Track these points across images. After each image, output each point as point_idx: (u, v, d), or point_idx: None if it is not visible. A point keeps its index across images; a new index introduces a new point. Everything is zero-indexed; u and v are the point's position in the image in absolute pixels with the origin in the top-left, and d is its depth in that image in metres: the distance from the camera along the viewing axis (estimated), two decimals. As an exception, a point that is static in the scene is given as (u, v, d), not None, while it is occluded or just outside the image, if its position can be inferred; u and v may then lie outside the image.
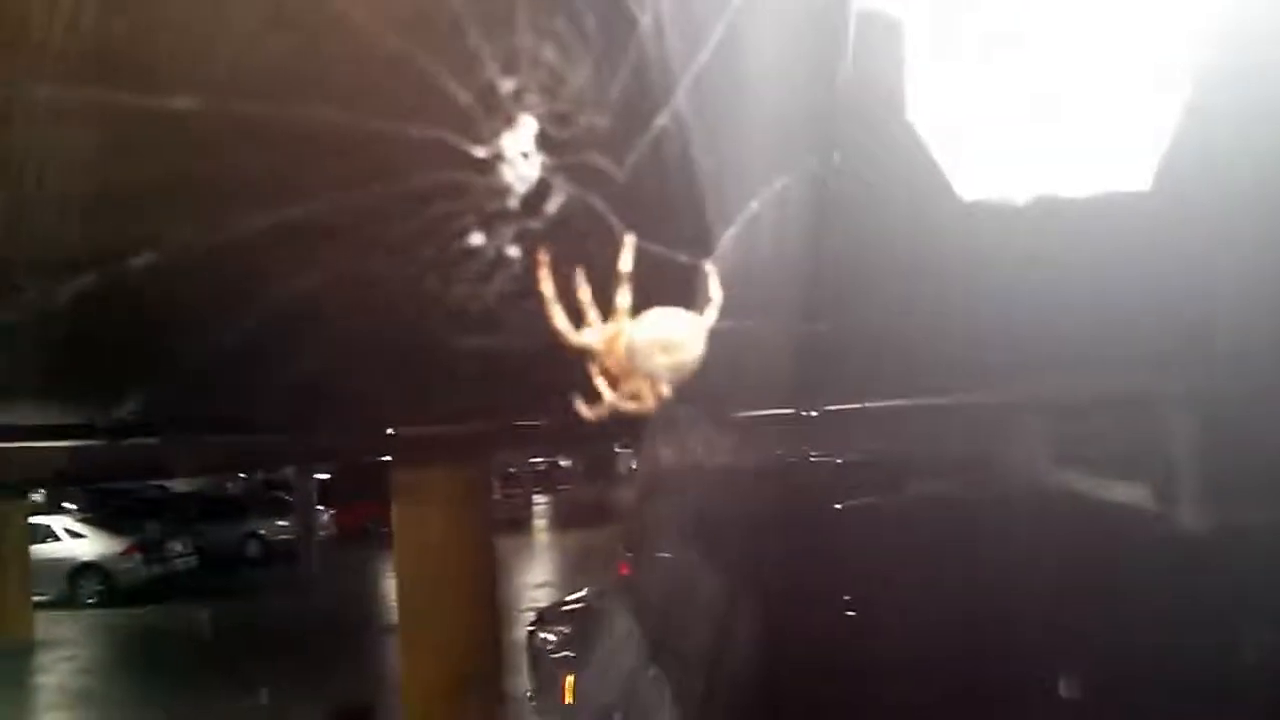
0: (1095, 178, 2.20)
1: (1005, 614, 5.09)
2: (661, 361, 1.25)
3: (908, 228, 2.45)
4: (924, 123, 1.95)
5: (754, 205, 1.50)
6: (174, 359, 3.09)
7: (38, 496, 19.68)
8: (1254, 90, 1.96)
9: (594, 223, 1.11)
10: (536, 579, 16.94)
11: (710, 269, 1.35)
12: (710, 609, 6.10)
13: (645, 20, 1.16)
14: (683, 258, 1.30)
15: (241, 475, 25.68)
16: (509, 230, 1.18)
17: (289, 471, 22.81)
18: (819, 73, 1.71)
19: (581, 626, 7.93)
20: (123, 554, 18.30)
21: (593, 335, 1.24)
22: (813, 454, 8.85)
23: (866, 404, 7.40)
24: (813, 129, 1.88)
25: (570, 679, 7.41)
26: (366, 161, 1.36)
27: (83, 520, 19.11)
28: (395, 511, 9.08)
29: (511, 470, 24.33)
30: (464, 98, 1.09)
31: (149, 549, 18.73)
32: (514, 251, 1.21)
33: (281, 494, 23.87)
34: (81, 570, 18.06)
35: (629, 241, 1.15)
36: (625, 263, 1.19)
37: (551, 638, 8.11)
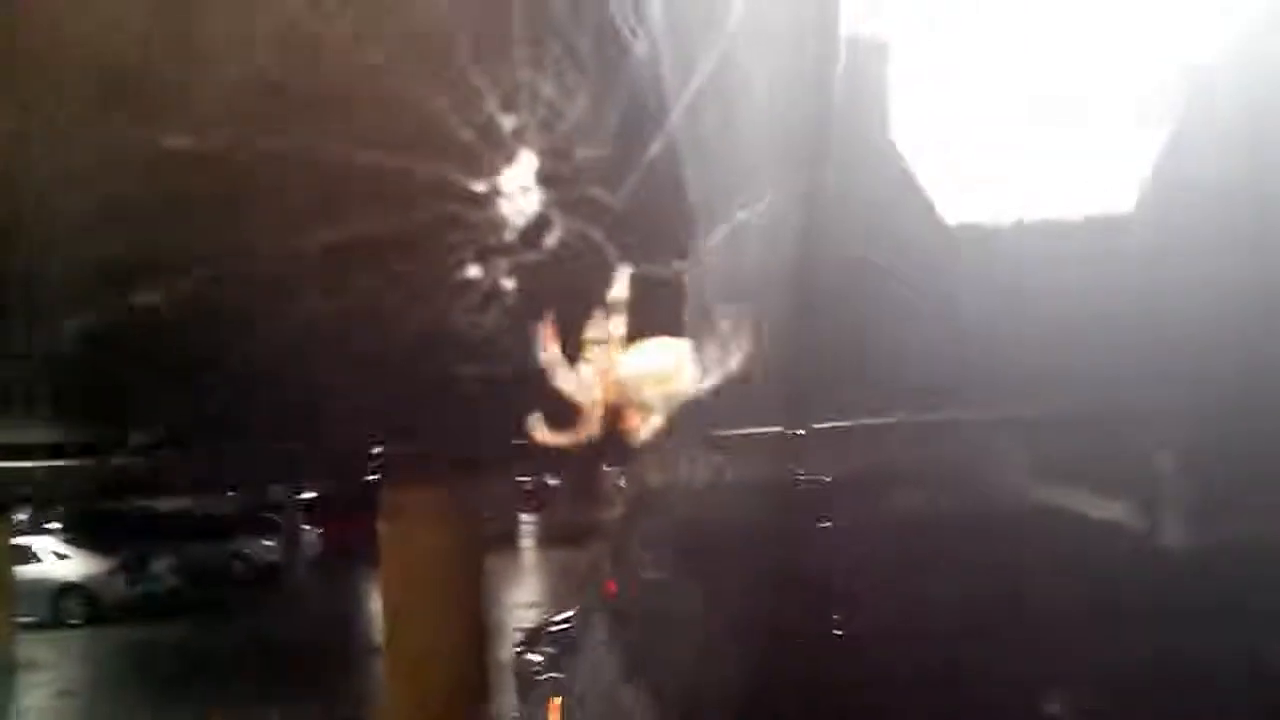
0: (1079, 199, 2.23)
1: (994, 632, 5.09)
2: (651, 393, 1.27)
3: (895, 248, 2.47)
4: (911, 145, 1.98)
5: (740, 216, 1.52)
6: (159, 379, 3.09)
7: (21, 516, 19.54)
8: (1234, 115, 2.00)
9: (591, 253, 1.12)
10: (524, 598, 16.88)
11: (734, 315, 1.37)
12: (697, 628, 6.09)
13: (639, 48, 1.18)
14: (672, 274, 1.32)
15: (227, 494, 25.53)
16: (506, 262, 1.20)
17: (275, 491, 22.70)
18: (808, 96, 1.73)
19: (569, 647, 7.90)
20: (107, 575, 18.16)
21: (586, 374, 1.25)
22: (800, 472, 8.86)
23: (853, 422, 7.42)
24: (802, 151, 1.90)
25: (557, 700, 7.38)
26: (369, 195, 1.37)
27: (67, 541, 18.96)
28: (382, 531, 9.04)
29: (499, 489, 24.24)
30: (466, 134, 1.11)
31: (133, 569, 18.58)
32: (510, 283, 1.23)
33: (268, 513, 23.73)
34: (65, 591, 17.91)
35: (622, 272, 1.17)
36: (619, 292, 1.20)
37: (539, 658, 8.07)
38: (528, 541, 26.11)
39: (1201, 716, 4.65)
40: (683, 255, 1.41)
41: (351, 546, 20.92)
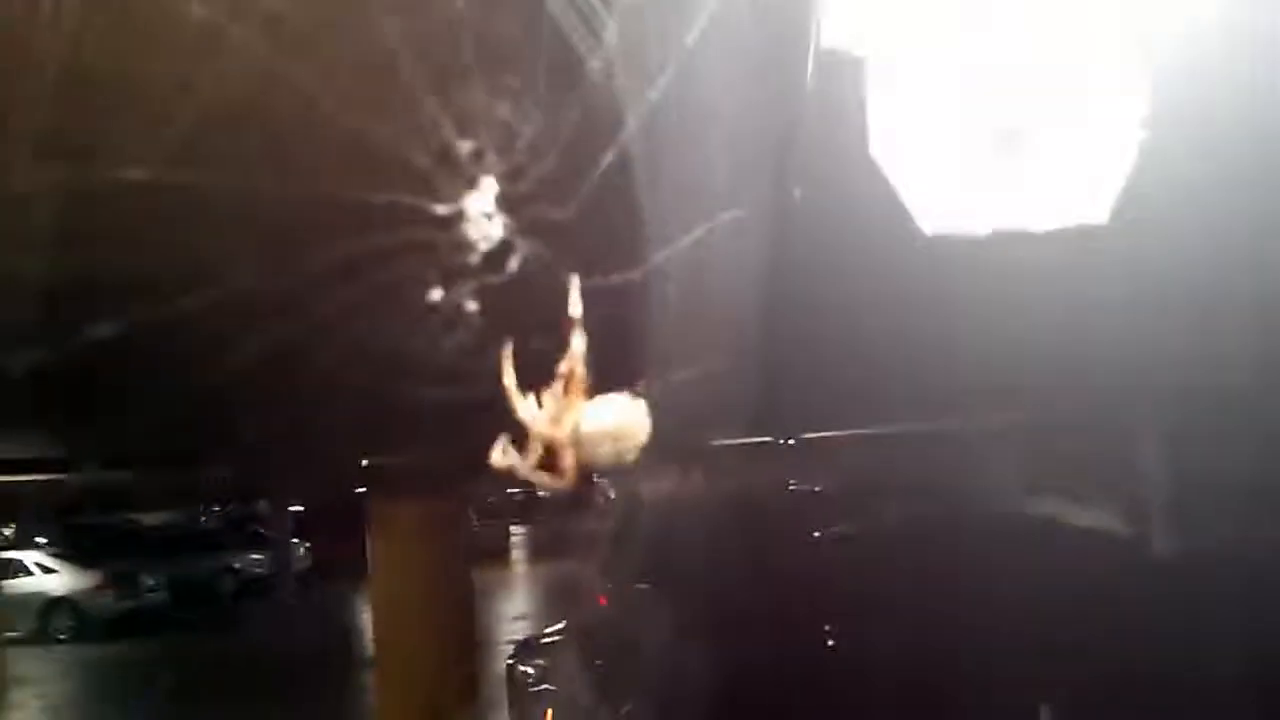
0: (1057, 209, 2.23)
1: (984, 640, 5.10)
2: (607, 450, 1.28)
3: (870, 260, 2.48)
4: (885, 156, 1.98)
5: (699, 232, 1.52)
6: (146, 392, 3.08)
7: (8, 531, 19.46)
8: (1215, 121, 2.01)
9: (547, 271, 1.13)
10: (515, 610, 16.84)
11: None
12: (688, 640, 6.08)
13: (594, 62, 1.18)
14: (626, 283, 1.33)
15: (216, 509, 25.45)
16: (469, 285, 1.20)
17: (264, 505, 22.63)
18: (779, 107, 1.74)
19: (560, 659, 7.88)
20: (95, 589, 18.06)
21: (545, 420, 1.27)
22: (791, 483, 8.88)
23: (841, 432, 7.44)
24: (773, 163, 1.91)
25: (550, 712, 7.36)
26: (330, 223, 1.38)
27: (54, 555, 18.87)
28: (372, 544, 9.01)
29: (489, 501, 24.19)
30: (423, 162, 1.11)
31: (121, 584, 18.48)
32: (473, 305, 1.23)
33: (257, 527, 23.64)
34: (53, 605, 17.82)
35: (575, 284, 1.17)
36: (575, 307, 1.21)
37: (531, 670, 8.05)
38: (518, 553, 26.06)
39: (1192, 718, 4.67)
40: (638, 266, 1.41)
41: (340, 560, 20.84)
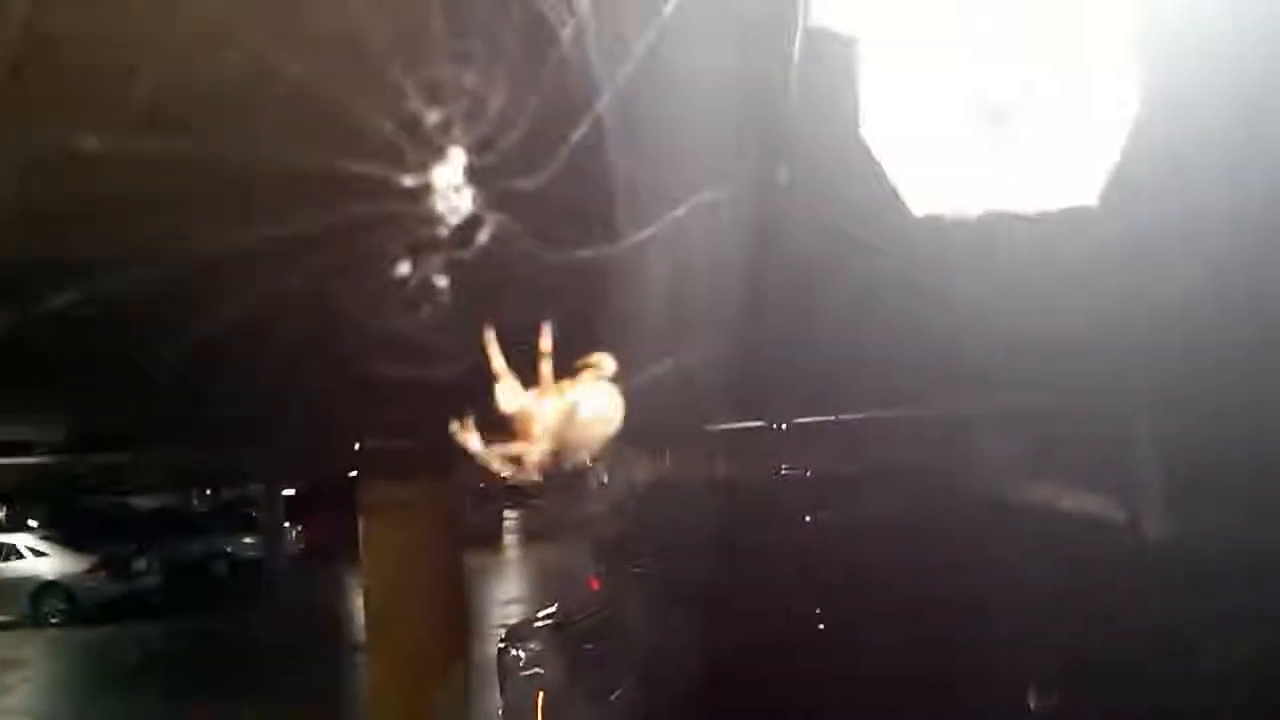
0: (1048, 190, 2.21)
1: (973, 624, 5.11)
2: (581, 436, 1.27)
3: (858, 241, 2.46)
4: (874, 135, 1.96)
5: (680, 210, 1.50)
6: (137, 376, 3.06)
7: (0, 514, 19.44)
8: (1209, 100, 1.99)
9: (519, 245, 1.10)
10: (507, 594, 16.86)
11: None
12: (679, 622, 6.08)
13: (566, 32, 1.16)
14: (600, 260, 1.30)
15: (208, 492, 25.45)
16: (438, 258, 1.18)
17: (256, 488, 22.61)
18: (764, 85, 1.71)
19: (552, 643, 7.89)
20: (87, 572, 18.05)
21: (520, 402, 1.25)
22: (783, 467, 8.89)
23: (832, 417, 7.44)
24: (758, 141, 1.88)
25: (541, 696, 7.37)
26: (300, 192, 1.35)
27: (46, 538, 18.85)
28: (363, 527, 9.00)
29: (481, 485, 24.21)
30: (391, 132, 1.09)
31: (113, 567, 18.46)
32: (443, 280, 1.21)
33: (248, 511, 23.63)
34: (45, 589, 17.81)
35: (546, 329, 1.17)
36: (545, 343, 1.20)
37: (522, 654, 8.06)
38: (510, 538, 26.09)
39: (1180, 705, 4.68)
40: (613, 242, 1.39)
41: (332, 543, 20.85)
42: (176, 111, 1.19)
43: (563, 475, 1.29)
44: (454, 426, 1.22)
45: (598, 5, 1.16)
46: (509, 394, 1.26)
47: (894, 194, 2.04)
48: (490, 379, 1.25)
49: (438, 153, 1.07)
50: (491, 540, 23.89)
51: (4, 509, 20.14)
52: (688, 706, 5.64)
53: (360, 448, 8.46)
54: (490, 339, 1.19)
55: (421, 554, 8.52)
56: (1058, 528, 5.89)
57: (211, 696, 10.80)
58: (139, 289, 1.80)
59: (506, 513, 27.53)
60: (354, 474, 9.90)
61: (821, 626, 5.98)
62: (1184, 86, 1.91)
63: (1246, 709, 4.53)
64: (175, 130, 1.19)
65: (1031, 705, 5.16)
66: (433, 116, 1.06)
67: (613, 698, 6.36)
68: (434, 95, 1.06)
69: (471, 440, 1.27)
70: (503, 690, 8.37)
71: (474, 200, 1.10)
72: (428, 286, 1.18)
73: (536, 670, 7.67)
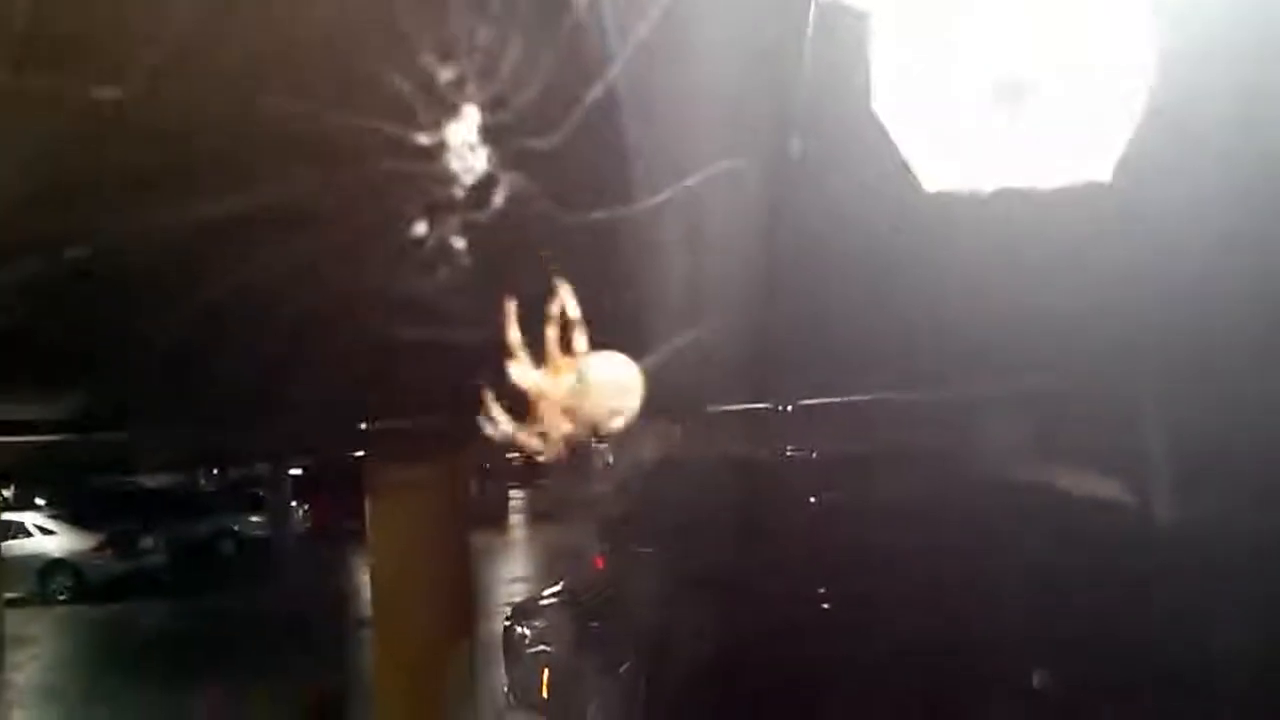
0: (1062, 167, 2.20)
1: (980, 606, 5.12)
2: (606, 406, 1.25)
3: (870, 218, 2.45)
4: (887, 110, 1.94)
5: (692, 180, 1.49)
6: (144, 352, 3.05)
7: (7, 493, 19.51)
8: (1222, 78, 1.97)
9: (534, 206, 1.10)
10: (513, 573, 16.92)
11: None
12: (684, 602, 6.10)
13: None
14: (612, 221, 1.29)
15: (214, 471, 25.50)
16: (455, 219, 1.17)
17: (263, 467, 22.67)
18: (777, 58, 1.70)
19: (558, 621, 7.92)
20: (94, 550, 18.15)
21: (544, 378, 1.24)
22: (788, 448, 8.89)
23: (839, 398, 7.42)
24: (770, 114, 1.87)
25: (547, 673, 7.41)
26: (309, 152, 1.34)
27: (54, 516, 18.93)
28: (370, 506, 9.02)
29: (487, 464, 24.24)
30: (404, 88, 1.07)
31: (120, 545, 18.56)
32: (461, 243, 1.20)
33: (255, 490, 23.70)
34: (52, 567, 17.91)
35: (567, 290, 1.15)
36: (572, 309, 1.19)
37: (528, 632, 8.10)
38: (516, 517, 26.15)
39: (1189, 690, 4.69)
40: (625, 203, 1.38)
41: (339, 521, 20.91)
42: (186, 63, 1.17)
43: (569, 454, 1.28)
44: (475, 406, 1.22)
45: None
46: (522, 371, 1.25)
47: (906, 170, 2.03)
48: (502, 354, 1.24)
49: (452, 110, 1.06)
50: (498, 519, 23.95)
51: (11, 487, 20.21)
52: (692, 684, 5.67)
53: (367, 427, 8.47)
54: (507, 311, 1.18)
55: (428, 533, 8.54)
56: (1067, 510, 5.89)
57: (218, 674, 10.87)
58: (142, 259, 1.79)
59: (513, 492, 27.57)
60: (361, 453, 9.93)
61: (826, 607, 5.99)
62: (1200, 63, 1.89)
63: (1257, 693, 4.53)
64: (183, 82, 1.18)
65: (1036, 685, 5.18)
66: (446, 74, 1.05)
67: (616, 676, 6.39)
68: (447, 52, 1.05)
69: (494, 420, 1.27)
70: (508, 668, 8.42)
71: (489, 159, 1.09)
72: (443, 248, 1.18)
73: (542, 648, 7.71)
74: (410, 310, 1.48)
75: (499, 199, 1.10)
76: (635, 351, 1.30)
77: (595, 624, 7.18)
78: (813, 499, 6.99)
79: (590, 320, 1.26)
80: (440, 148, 1.08)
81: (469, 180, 1.09)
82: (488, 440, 1.33)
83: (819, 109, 1.90)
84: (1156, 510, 5.81)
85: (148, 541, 19.31)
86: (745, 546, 6.19)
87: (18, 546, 17.55)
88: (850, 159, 2.03)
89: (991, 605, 5.08)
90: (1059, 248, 2.66)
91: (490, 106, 1.09)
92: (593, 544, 9.28)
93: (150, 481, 23.33)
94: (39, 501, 20.49)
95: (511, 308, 1.21)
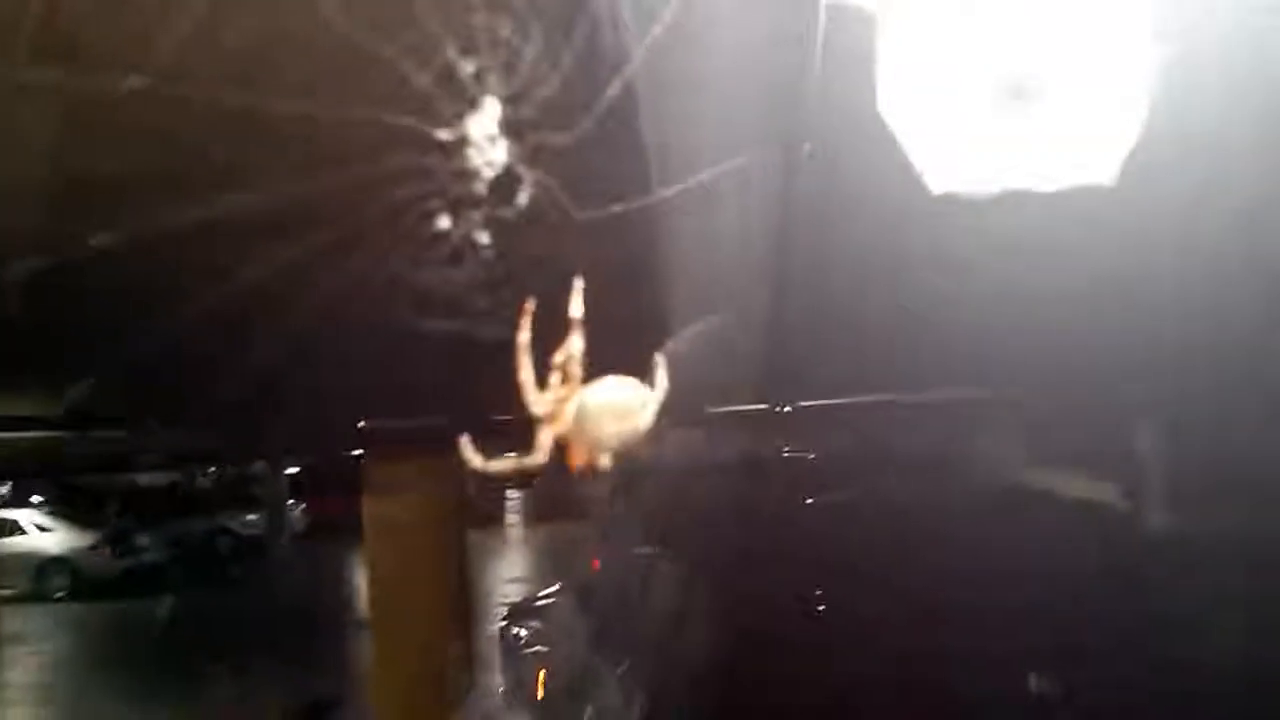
0: (1069, 169, 2.21)
1: (976, 612, 5.11)
2: (611, 429, 1.26)
3: (879, 219, 2.45)
4: (895, 113, 1.95)
5: (702, 176, 1.50)
6: (140, 350, 3.05)
7: (4, 490, 19.49)
8: (1225, 80, 1.98)
9: (554, 204, 1.10)
10: (509, 573, 16.91)
11: (659, 360, 1.36)
12: (681, 604, 6.10)
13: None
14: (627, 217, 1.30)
15: (212, 469, 25.47)
16: (478, 215, 1.17)
17: (260, 466, 22.66)
18: (787, 60, 1.71)
19: (553, 622, 7.92)
20: (91, 548, 18.14)
21: (545, 401, 1.25)
22: (785, 449, 8.88)
23: (839, 400, 7.41)
24: (780, 115, 1.88)
25: (543, 674, 7.41)
26: (328, 148, 1.34)
27: (50, 514, 18.91)
28: (366, 506, 9.01)
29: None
30: (424, 81, 1.08)
31: (118, 543, 18.55)
32: (484, 237, 1.20)
33: (252, 488, 23.69)
34: (49, 564, 17.89)
35: (578, 286, 1.15)
36: (575, 308, 1.19)
37: (524, 632, 8.10)
38: (513, 517, 26.14)
39: (1185, 695, 4.69)
40: (637, 199, 1.38)
41: (335, 520, 20.88)
42: (206, 54, 1.17)
43: (587, 470, 1.29)
44: (479, 406, 1.23)
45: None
46: (531, 397, 1.26)
47: (913, 171, 2.03)
48: (502, 353, 1.25)
49: (472, 104, 1.06)
50: (495, 519, 23.94)
51: (8, 485, 20.19)
52: (689, 686, 5.66)
53: (364, 426, 8.47)
54: (520, 347, 1.19)
55: (424, 532, 8.53)
56: (1068, 513, 5.89)
57: (215, 671, 10.85)
58: (142, 257, 1.79)
59: (509, 493, 27.55)
60: (358, 452, 9.92)
61: (823, 609, 5.99)
62: (1203, 65, 1.89)
63: (1255, 697, 4.53)
64: (204, 73, 1.18)
65: (1035, 689, 5.17)
66: (467, 67, 1.05)
67: (612, 677, 6.39)
68: (469, 46, 1.05)
69: (474, 462, 1.28)
70: (504, 668, 8.42)
71: (508, 152, 1.09)
72: (459, 243, 1.18)
73: (538, 649, 7.71)
74: (418, 306, 1.48)
75: (521, 196, 1.10)
76: (637, 350, 1.30)
77: (592, 625, 7.17)
78: (809, 500, 6.98)
79: (596, 317, 1.26)
80: (461, 142, 1.08)
81: (489, 175, 1.09)
82: (484, 445, 1.33)
83: (827, 109, 1.90)
84: (1158, 514, 5.82)
85: (144, 539, 19.29)
86: (742, 548, 6.19)
87: (14, 544, 17.54)
88: (858, 159, 2.03)
89: (990, 609, 5.08)
90: (1063, 248, 2.66)
91: (511, 100, 1.09)
92: (589, 545, 9.28)
93: (147, 479, 23.31)
94: (36, 499, 20.48)
95: (523, 341, 1.22)
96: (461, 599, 9.02)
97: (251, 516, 22.59)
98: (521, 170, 1.09)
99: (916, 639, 5.05)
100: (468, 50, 1.04)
